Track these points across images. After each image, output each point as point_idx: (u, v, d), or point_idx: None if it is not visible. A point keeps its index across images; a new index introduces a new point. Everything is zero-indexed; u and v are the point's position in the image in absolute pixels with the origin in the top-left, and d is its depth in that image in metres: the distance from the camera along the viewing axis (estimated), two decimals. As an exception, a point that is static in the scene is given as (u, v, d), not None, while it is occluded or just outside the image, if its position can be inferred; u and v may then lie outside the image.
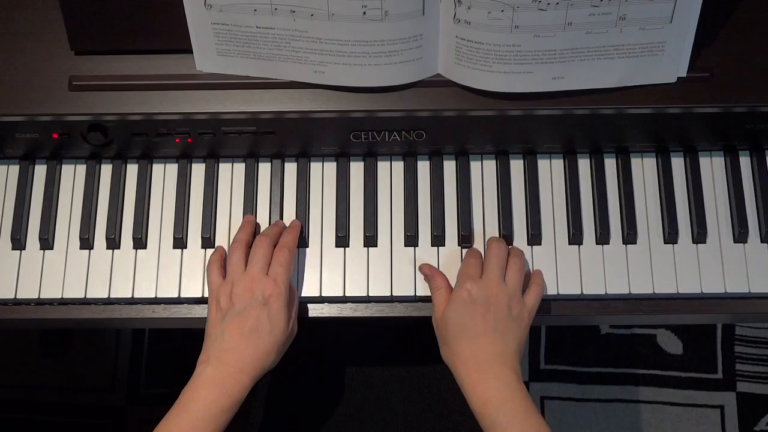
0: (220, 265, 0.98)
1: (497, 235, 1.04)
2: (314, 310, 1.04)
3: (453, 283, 0.99)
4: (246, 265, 0.96)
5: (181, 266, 1.03)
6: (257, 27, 0.93)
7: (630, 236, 1.03)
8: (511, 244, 1.03)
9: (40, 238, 1.04)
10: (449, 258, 1.03)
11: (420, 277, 1.02)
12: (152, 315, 1.03)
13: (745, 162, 1.06)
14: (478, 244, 1.04)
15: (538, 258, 1.03)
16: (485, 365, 0.90)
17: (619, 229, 1.04)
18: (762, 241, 1.04)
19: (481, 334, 0.91)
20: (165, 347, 1.80)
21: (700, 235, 1.03)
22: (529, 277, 1.00)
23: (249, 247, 0.98)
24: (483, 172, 1.07)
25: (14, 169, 1.07)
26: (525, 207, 1.05)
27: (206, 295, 1.01)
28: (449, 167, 1.07)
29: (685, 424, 1.76)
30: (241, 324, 0.91)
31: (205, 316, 1.01)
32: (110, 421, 1.76)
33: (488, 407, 0.88)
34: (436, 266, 1.02)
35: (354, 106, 0.98)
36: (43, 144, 1.04)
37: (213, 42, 0.95)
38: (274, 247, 0.97)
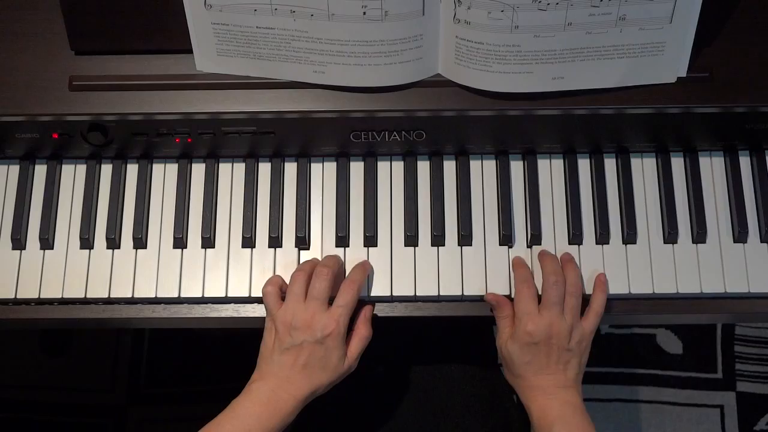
0: (279, 288, 0.99)
1: (497, 236, 1.03)
2: (314, 310, 1.04)
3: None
4: (306, 295, 0.96)
5: (181, 266, 1.03)
6: (257, 27, 0.93)
7: (630, 236, 1.03)
8: (511, 245, 1.04)
9: (40, 238, 1.04)
10: (449, 258, 1.03)
11: (419, 277, 1.02)
12: (152, 315, 1.03)
13: (745, 162, 1.06)
14: (479, 243, 1.03)
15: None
16: (549, 390, 0.96)
17: (619, 229, 1.04)
18: (762, 241, 1.04)
19: (545, 368, 0.96)
20: (165, 347, 1.80)
21: (699, 235, 1.03)
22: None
23: (309, 277, 0.98)
24: (483, 172, 1.06)
25: (14, 169, 1.07)
26: (525, 207, 1.05)
27: (206, 294, 1.02)
28: (449, 167, 1.07)
29: (685, 424, 1.76)
30: (296, 357, 0.94)
31: (205, 315, 1.03)
32: (110, 421, 1.76)
33: (548, 419, 0.95)
34: (436, 266, 1.02)
35: (354, 106, 0.98)
36: (43, 144, 1.04)
37: (213, 42, 0.95)
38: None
